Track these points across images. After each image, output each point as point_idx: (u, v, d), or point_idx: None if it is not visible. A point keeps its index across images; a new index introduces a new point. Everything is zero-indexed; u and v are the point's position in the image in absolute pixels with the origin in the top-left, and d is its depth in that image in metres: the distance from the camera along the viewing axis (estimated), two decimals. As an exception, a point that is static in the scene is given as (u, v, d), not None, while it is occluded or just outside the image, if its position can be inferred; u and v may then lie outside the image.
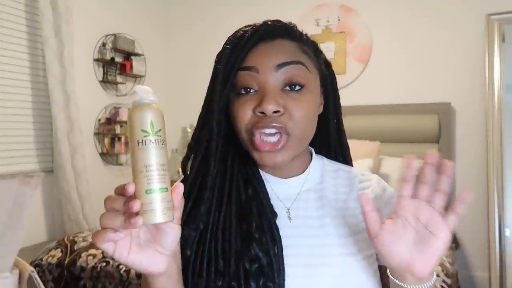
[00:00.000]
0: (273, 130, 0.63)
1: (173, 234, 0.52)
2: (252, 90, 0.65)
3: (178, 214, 0.52)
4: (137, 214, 0.46)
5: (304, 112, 0.64)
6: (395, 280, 0.56)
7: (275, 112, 0.62)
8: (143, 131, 0.48)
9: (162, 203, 0.48)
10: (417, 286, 0.54)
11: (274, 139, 0.63)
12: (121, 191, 0.48)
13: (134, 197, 0.47)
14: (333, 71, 0.76)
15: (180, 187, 0.51)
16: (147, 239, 0.52)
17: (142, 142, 0.48)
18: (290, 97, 0.64)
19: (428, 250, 0.53)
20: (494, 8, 2.67)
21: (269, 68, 0.64)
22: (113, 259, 1.58)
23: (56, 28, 2.62)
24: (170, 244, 0.53)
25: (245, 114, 0.64)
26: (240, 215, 0.65)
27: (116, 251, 0.50)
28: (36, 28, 2.64)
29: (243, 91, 0.65)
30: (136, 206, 0.46)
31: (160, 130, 0.49)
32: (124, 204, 0.47)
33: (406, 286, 0.55)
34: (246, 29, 0.68)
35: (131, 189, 0.47)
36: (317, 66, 0.70)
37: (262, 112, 0.62)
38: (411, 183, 0.55)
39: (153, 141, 0.48)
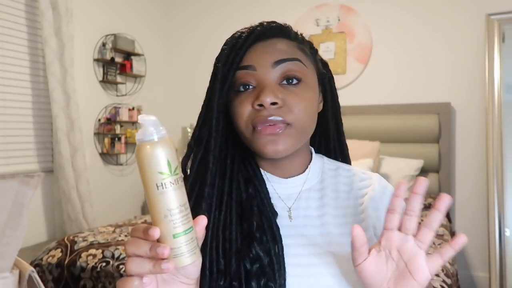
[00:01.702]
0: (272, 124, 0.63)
1: (197, 264, 0.52)
2: (250, 87, 0.66)
3: (200, 243, 0.51)
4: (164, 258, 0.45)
5: (303, 105, 0.64)
6: None
7: (273, 104, 0.62)
8: (161, 173, 0.44)
9: (189, 245, 0.46)
10: None
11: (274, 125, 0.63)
12: (143, 235, 0.46)
13: (159, 241, 0.46)
14: (330, 70, 0.76)
15: (203, 222, 0.49)
16: (171, 272, 0.51)
17: (162, 185, 0.44)
18: (288, 91, 0.64)
19: (404, 287, 0.51)
20: (494, 8, 2.67)
21: (266, 65, 0.65)
22: (115, 258, 1.58)
23: (56, 28, 2.63)
24: (193, 274, 0.52)
25: (244, 109, 0.65)
26: (240, 214, 0.65)
27: None
28: (36, 28, 2.64)
29: (241, 88, 0.66)
30: (166, 252, 0.44)
31: (176, 167, 0.46)
32: (151, 249, 0.45)
33: None
34: (243, 30, 0.69)
35: (156, 234, 0.45)
36: (313, 63, 0.71)
37: (260, 105, 0.63)
38: (399, 214, 0.52)
39: (173, 182, 0.45)
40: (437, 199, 0.49)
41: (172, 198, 0.45)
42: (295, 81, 0.65)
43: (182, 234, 0.45)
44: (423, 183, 0.50)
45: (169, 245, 0.45)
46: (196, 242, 0.47)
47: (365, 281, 0.54)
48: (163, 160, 0.44)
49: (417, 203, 0.50)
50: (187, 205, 0.47)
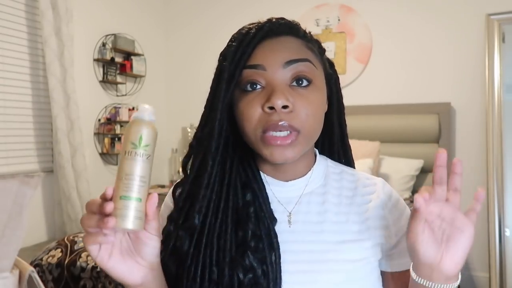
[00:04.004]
0: (284, 133, 0.61)
1: (151, 245, 0.55)
2: (258, 87, 0.63)
3: (155, 224, 0.55)
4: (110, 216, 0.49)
5: (312, 110, 0.62)
6: (423, 281, 0.57)
7: (284, 107, 0.60)
8: (132, 143, 0.53)
9: (134, 212, 0.51)
10: (444, 285, 0.56)
11: (284, 134, 0.61)
12: (102, 195, 0.52)
13: (110, 201, 0.51)
14: (336, 71, 0.74)
15: (154, 198, 0.54)
16: (129, 249, 0.56)
17: (129, 153, 0.53)
18: (298, 94, 0.62)
19: (456, 247, 0.55)
20: (494, 8, 2.67)
21: (276, 65, 0.62)
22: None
23: (56, 28, 2.62)
24: (149, 256, 0.56)
25: (253, 111, 0.62)
26: (236, 222, 0.64)
27: (99, 254, 0.53)
28: (36, 28, 2.64)
29: (249, 88, 0.63)
30: (108, 207, 0.49)
31: (147, 145, 0.54)
32: (100, 205, 0.51)
33: (433, 286, 0.56)
34: (250, 26, 0.66)
35: (108, 191, 0.51)
36: (321, 63, 0.69)
37: (271, 108, 0.60)
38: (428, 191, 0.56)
39: (139, 153, 0.53)
40: (453, 165, 0.56)
41: (132, 166, 0.52)
42: (305, 83, 0.63)
43: (129, 199, 0.51)
44: (443, 155, 0.56)
45: (116, 205, 0.51)
46: (143, 215, 0.53)
47: (416, 255, 0.56)
48: (137, 134, 0.53)
49: (444, 173, 0.55)
50: (145, 180, 0.53)
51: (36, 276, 0.99)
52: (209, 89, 0.68)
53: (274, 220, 0.64)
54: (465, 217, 0.55)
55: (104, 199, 0.52)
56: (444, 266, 0.55)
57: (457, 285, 0.57)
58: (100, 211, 0.50)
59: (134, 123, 0.54)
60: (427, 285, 0.56)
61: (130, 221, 0.51)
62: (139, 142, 0.53)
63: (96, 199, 0.52)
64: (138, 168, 0.53)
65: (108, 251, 0.54)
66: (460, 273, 0.58)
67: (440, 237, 0.56)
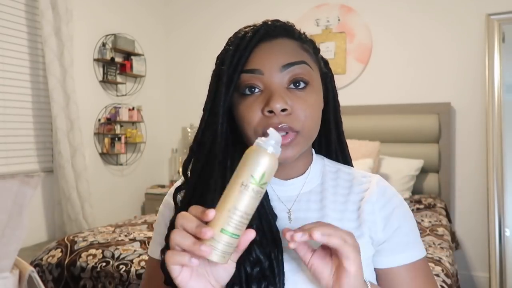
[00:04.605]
0: (283, 133, 0.62)
1: (229, 270, 0.55)
2: (257, 90, 0.64)
3: (238, 255, 0.54)
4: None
5: (310, 111, 0.64)
6: None
7: (283, 110, 0.62)
8: (252, 177, 0.49)
9: (227, 247, 0.48)
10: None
11: (283, 133, 0.62)
12: (198, 213, 0.49)
13: (208, 225, 0.48)
14: (331, 69, 0.76)
15: (251, 234, 0.51)
16: (204, 269, 0.54)
17: (245, 186, 0.48)
18: (296, 96, 0.63)
19: (342, 277, 0.54)
20: (494, 8, 2.67)
21: (274, 69, 0.63)
22: (115, 258, 1.58)
23: (56, 28, 2.62)
24: (223, 279, 0.55)
25: (253, 115, 0.63)
26: None
27: (181, 275, 0.51)
28: (36, 28, 2.64)
29: (247, 91, 0.64)
30: (208, 234, 0.47)
31: (265, 183, 0.50)
32: (197, 226, 0.48)
33: None
34: (246, 29, 0.67)
35: (211, 215, 0.48)
36: (317, 63, 0.70)
37: (271, 111, 0.62)
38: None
39: (255, 190, 0.49)
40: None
41: (244, 201, 0.48)
42: (302, 85, 0.64)
43: (229, 234, 0.48)
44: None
45: (214, 235, 0.47)
46: (233, 250, 0.50)
47: (315, 276, 0.57)
48: (261, 169, 0.49)
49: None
50: (249, 217, 0.50)
51: (36, 276, 0.99)
52: (207, 92, 0.69)
53: (275, 216, 0.65)
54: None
55: (199, 218, 0.49)
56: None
57: None
58: (197, 233, 0.48)
59: (260, 152, 0.50)
60: None
61: (221, 256, 0.48)
62: (260, 178, 0.49)
63: (191, 217, 0.50)
64: (249, 205, 0.49)
65: (189, 272, 0.52)
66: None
67: (336, 266, 0.56)
